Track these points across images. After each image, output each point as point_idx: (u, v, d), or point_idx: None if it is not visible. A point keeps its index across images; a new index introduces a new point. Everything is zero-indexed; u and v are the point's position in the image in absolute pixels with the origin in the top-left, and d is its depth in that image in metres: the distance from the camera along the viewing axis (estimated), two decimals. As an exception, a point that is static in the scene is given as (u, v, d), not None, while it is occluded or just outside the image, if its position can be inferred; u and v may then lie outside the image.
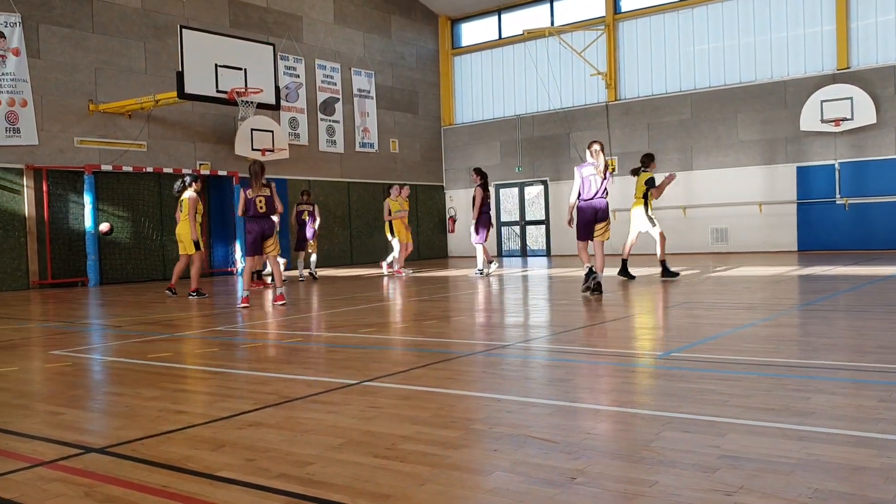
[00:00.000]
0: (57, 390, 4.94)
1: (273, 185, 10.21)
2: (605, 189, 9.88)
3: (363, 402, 4.14)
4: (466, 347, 6.00)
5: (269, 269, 13.59)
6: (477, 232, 14.12)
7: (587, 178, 9.84)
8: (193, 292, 11.64)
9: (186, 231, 11.76)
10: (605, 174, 9.82)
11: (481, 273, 14.17)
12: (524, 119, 23.23)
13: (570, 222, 10.17)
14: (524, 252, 23.43)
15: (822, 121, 18.08)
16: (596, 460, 2.96)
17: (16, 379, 5.33)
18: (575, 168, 10.09)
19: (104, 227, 12.23)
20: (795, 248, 18.84)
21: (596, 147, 9.95)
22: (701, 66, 20.45)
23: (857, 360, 4.84)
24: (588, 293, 9.67)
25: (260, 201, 9.99)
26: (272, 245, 10.10)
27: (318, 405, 4.18)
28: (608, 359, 5.28)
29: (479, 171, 14.40)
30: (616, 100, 21.61)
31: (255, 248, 10.10)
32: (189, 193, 11.81)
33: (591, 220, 9.91)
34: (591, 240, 10.01)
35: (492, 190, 23.86)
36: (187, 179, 12.00)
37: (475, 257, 15.18)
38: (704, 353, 5.44)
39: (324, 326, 8.06)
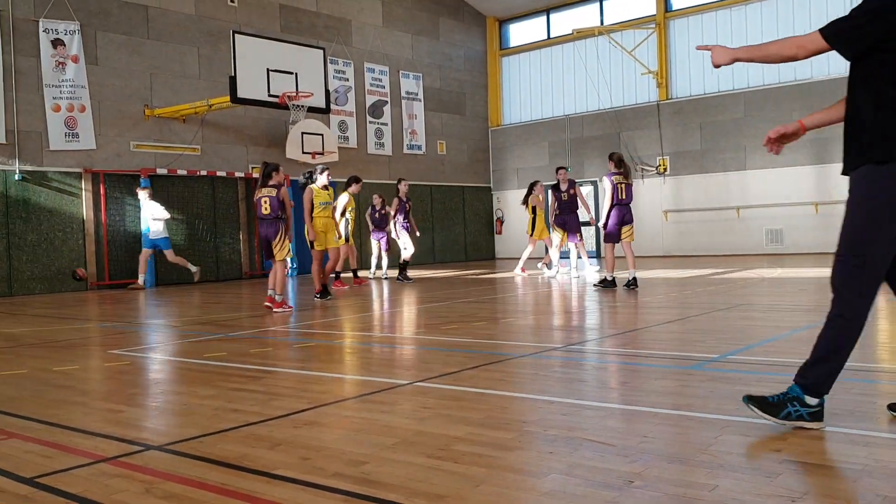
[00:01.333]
0: (116, 388, 5.05)
1: (284, 187, 9.74)
2: (632, 194, 11.03)
3: (415, 402, 4.14)
4: (516, 349, 5.97)
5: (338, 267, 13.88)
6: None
7: (617, 185, 10.86)
8: (323, 291, 10.93)
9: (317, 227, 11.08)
10: (630, 180, 11.04)
11: (552, 273, 14.13)
12: (573, 119, 23.06)
13: (604, 225, 11.00)
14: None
15: (882, 118, 17.57)
16: (653, 464, 2.91)
17: (77, 377, 5.47)
18: (605, 177, 11.11)
19: (80, 272, 12.59)
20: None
21: (616, 157, 11.11)
22: (755, 64, 19.97)
23: (924, 364, 4.69)
24: (625, 287, 10.59)
25: (265, 202, 9.58)
26: (277, 248, 9.57)
27: (370, 405, 4.20)
28: (662, 361, 5.20)
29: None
30: (667, 99, 21.31)
31: (267, 252, 9.73)
32: (314, 185, 11.18)
33: (621, 222, 10.85)
34: (619, 242, 10.90)
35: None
36: (316, 169, 11.35)
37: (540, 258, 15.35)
38: (761, 356, 5.32)
39: (373, 328, 8.10)
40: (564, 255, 15.58)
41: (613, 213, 10.85)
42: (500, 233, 24.13)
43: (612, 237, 10.88)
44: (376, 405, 4.18)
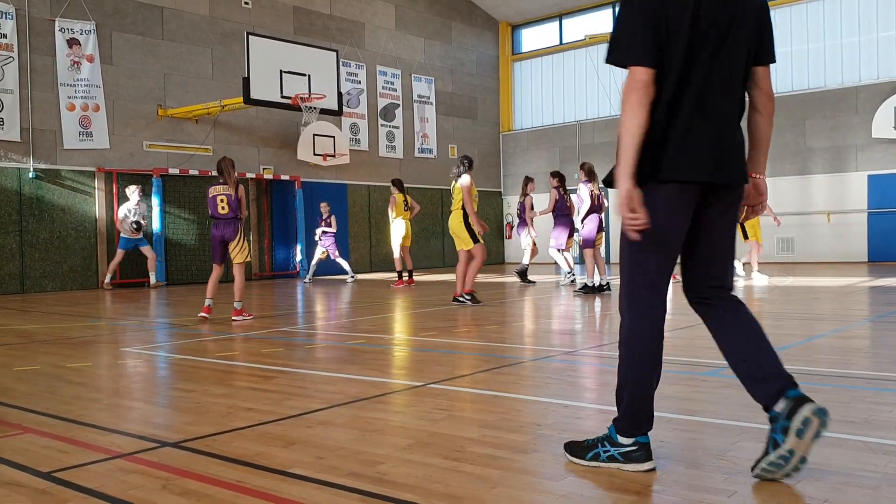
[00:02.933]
0: (130, 385, 5.07)
1: (242, 188, 8.94)
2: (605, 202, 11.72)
3: (429, 403, 4.14)
4: (529, 353, 5.96)
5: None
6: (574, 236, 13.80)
7: (593, 193, 11.40)
8: (466, 294, 10.21)
9: (459, 223, 10.25)
10: (600, 191, 11.60)
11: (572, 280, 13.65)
12: (584, 125, 23.04)
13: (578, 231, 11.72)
14: (582, 258, 23.20)
15: (896, 128, 17.51)
16: (671, 468, 2.90)
17: (91, 374, 5.49)
18: (581, 184, 11.50)
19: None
20: (865, 259, 18.26)
21: (587, 167, 11.61)
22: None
23: (940, 374, 4.66)
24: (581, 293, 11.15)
25: (221, 201, 8.74)
26: (236, 251, 8.81)
27: (384, 406, 4.20)
28: (675, 367, 5.18)
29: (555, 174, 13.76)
30: (679, 106, 21.25)
31: (217, 255, 8.88)
32: (464, 179, 10.21)
33: (596, 230, 11.39)
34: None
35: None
36: (465, 163, 10.36)
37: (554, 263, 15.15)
38: (776, 363, 5.29)
39: (383, 330, 8.10)
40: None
41: (592, 220, 11.36)
42: (510, 237, 24.09)
43: (590, 243, 11.35)
44: (390, 406, 4.18)
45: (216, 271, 9.04)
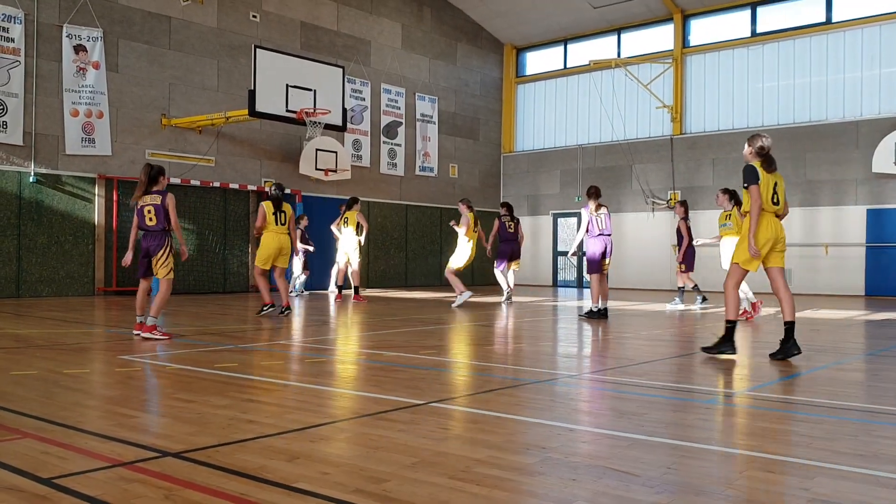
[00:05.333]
0: (128, 394, 5.02)
1: (170, 195, 8.19)
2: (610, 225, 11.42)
3: (432, 422, 4.10)
4: (531, 375, 5.93)
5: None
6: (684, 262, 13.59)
7: (595, 215, 11.21)
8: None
9: None
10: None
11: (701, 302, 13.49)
12: (586, 149, 23.12)
13: (574, 254, 11.42)
14: (580, 283, 23.21)
15: (896, 163, 17.59)
16: (679, 496, 2.87)
17: (88, 381, 5.44)
18: (582, 209, 11.37)
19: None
20: (863, 293, 18.28)
21: (593, 190, 11.37)
22: (769, 104, 20.11)
23: (945, 410, 4.63)
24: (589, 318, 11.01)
25: (149, 211, 8.04)
26: (159, 264, 8.14)
27: (387, 423, 4.16)
28: (678, 394, 5.15)
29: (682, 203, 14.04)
30: (681, 133, 21.38)
31: (142, 269, 8.22)
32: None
33: (603, 252, 11.14)
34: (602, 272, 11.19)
35: (549, 219, 23.77)
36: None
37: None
38: (779, 393, 5.27)
39: (384, 346, 8.06)
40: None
41: (596, 243, 11.14)
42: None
43: (595, 267, 11.11)
44: (393, 423, 4.14)
45: (142, 286, 8.37)
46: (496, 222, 14.53)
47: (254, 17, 18.10)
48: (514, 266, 14.56)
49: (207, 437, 3.71)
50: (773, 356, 6.74)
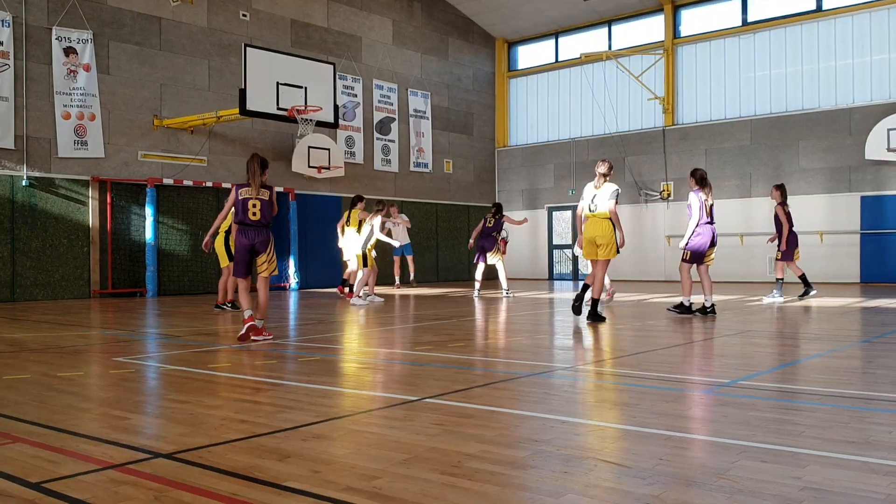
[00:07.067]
0: (121, 396, 5.00)
1: (274, 189, 7.99)
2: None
3: (425, 418, 4.10)
4: (524, 368, 5.92)
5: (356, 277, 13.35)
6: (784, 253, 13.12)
7: (705, 203, 10.32)
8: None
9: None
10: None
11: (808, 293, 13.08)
12: (578, 142, 23.11)
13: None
14: (575, 276, 23.20)
15: (889, 149, 17.59)
16: (672, 487, 2.87)
17: (82, 383, 5.42)
18: (692, 194, 10.43)
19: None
20: (858, 280, 18.30)
21: (699, 175, 10.44)
22: (762, 92, 20.11)
23: (938, 395, 4.64)
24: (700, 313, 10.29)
25: (254, 205, 7.69)
26: (265, 263, 7.81)
27: (380, 420, 4.15)
28: (672, 384, 5.15)
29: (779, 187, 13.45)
30: (673, 124, 21.37)
31: (244, 268, 7.80)
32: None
33: (710, 242, 10.29)
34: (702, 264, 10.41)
35: (544, 213, 23.76)
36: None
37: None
38: (772, 382, 5.28)
39: (379, 343, 8.05)
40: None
41: (703, 233, 10.19)
42: (504, 253, 24.06)
43: (699, 258, 10.28)
44: (386, 420, 4.14)
45: (243, 284, 7.87)
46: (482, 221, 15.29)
47: (244, 15, 18.04)
48: (496, 256, 15.21)
49: (199, 438, 3.70)
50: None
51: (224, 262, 11.83)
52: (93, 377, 5.77)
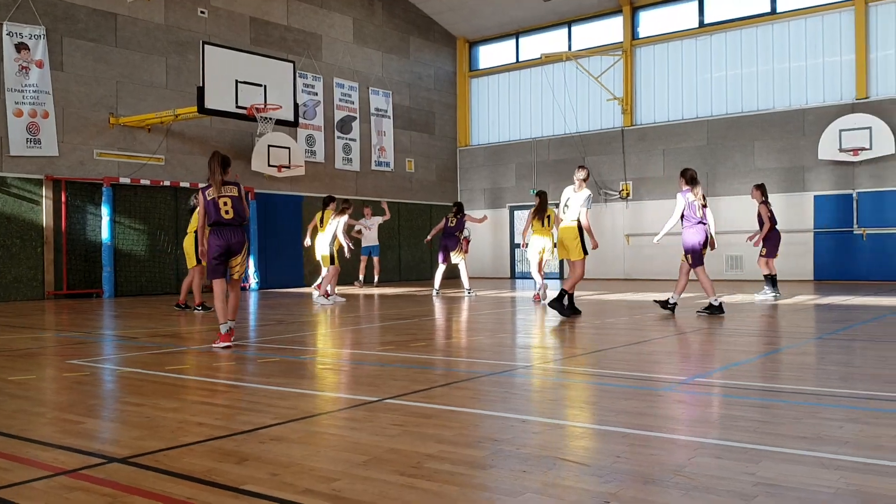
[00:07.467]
0: (75, 399, 4.91)
1: (241, 185, 7.76)
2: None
3: (385, 419, 4.09)
4: (485, 367, 5.94)
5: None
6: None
7: (694, 202, 10.21)
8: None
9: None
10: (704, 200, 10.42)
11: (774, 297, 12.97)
12: (540, 142, 23.24)
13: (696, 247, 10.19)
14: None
15: (841, 150, 17.99)
16: (629, 484, 2.90)
17: (34, 387, 5.31)
18: (679, 194, 10.30)
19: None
20: (812, 278, 18.69)
21: (689, 174, 10.27)
22: (718, 93, 20.43)
23: (888, 390, 4.75)
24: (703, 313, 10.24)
25: (225, 203, 7.43)
26: (240, 265, 7.53)
27: (340, 421, 4.13)
28: (630, 382, 5.20)
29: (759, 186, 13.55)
30: (632, 125, 21.60)
31: (220, 269, 7.48)
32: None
33: (703, 242, 10.26)
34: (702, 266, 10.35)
35: (506, 212, 23.86)
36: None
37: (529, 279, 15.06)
38: (728, 379, 5.36)
39: (341, 343, 8.01)
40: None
41: (695, 233, 10.11)
42: (466, 252, 24.12)
43: (698, 259, 10.15)
44: (346, 422, 4.12)
45: (220, 286, 7.51)
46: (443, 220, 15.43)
47: (202, 12, 17.81)
48: (459, 256, 15.26)
49: (155, 441, 3.65)
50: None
51: (192, 262, 11.76)
52: (46, 381, 5.65)
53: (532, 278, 14.13)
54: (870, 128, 17.69)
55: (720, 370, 5.75)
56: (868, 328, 8.46)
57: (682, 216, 10.20)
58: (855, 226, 18.23)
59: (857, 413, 4.16)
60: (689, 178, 10.17)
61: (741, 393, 4.81)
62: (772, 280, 13.14)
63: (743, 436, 3.61)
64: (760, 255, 13.33)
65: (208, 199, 7.48)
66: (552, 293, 12.19)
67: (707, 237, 10.16)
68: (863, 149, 17.73)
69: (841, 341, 7.37)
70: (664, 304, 10.53)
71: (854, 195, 18.25)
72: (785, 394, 4.72)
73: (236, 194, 7.53)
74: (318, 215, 14.00)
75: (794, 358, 6.37)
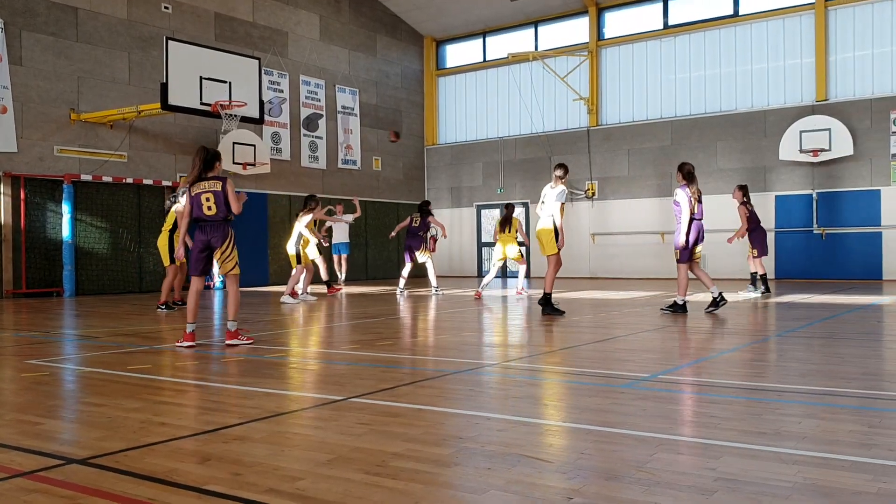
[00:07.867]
0: (34, 400, 4.82)
1: (229, 180, 7.45)
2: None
3: (350, 418, 4.08)
4: (451, 366, 5.95)
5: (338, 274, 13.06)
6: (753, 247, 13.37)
7: (691, 199, 10.04)
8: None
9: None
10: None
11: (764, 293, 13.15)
12: (506, 141, 23.32)
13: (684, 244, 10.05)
14: (504, 272, 23.39)
15: (801, 151, 18.32)
16: (591, 481, 2.93)
17: (-9, 388, 5.20)
18: (679, 191, 10.14)
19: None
20: (773, 276, 19.00)
21: (686, 169, 10.15)
22: (682, 94, 20.67)
23: (844, 386, 4.85)
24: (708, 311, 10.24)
25: (207, 199, 7.24)
26: (227, 259, 7.35)
27: (304, 420, 4.11)
28: (592, 379, 5.25)
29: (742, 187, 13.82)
30: (597, 125, 21.77)
31: (199, 265, 7.36)
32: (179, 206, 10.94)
33: (696, 240, 10.12)
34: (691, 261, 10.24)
35: (473, 211, 23.91)
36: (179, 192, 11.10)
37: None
38: (690, 376, 5.43)
39: (307, 342, 7.97)
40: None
41: (691, 228, 9.96)
42: (433, 251, 24.13)
43: (686, 256, 10.04)
44: (310, 421, 4.10)
45: (195, 285, 7.46)
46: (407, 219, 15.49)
47: (166, 8, 17.59)
48: (425, 254, 15.39)
49: (116, 442, 3.60)
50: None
51: (166, 261, 11.67)
52: (4, 381, 5.54)
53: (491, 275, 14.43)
54: (829, 129, 18.04)
55: (682, 367, 5.83)
56: (826, 325, 8.63)
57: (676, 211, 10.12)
58: (815, 225, 18.58)
59: (815, 409, 4.24)
60: (687, 173, 10.06)
61: (703, 389, 4.87)
62: (762, 278, 13.45)
63: (704, 431, 3.67)
64: (752, 256, 13.67)
65: (192, 193, 7.36)
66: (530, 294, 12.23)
67: (700, 233, 10.07)
68: (822, 150, 18.07)
69: (800, 338, 7.51)
70: (713, 305, 10.18)
71: (814, 195, 18.59)
72: (745, 390, 4.79)
73: (219, 189, 7.30)
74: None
75: (754, 355, 6.47)
